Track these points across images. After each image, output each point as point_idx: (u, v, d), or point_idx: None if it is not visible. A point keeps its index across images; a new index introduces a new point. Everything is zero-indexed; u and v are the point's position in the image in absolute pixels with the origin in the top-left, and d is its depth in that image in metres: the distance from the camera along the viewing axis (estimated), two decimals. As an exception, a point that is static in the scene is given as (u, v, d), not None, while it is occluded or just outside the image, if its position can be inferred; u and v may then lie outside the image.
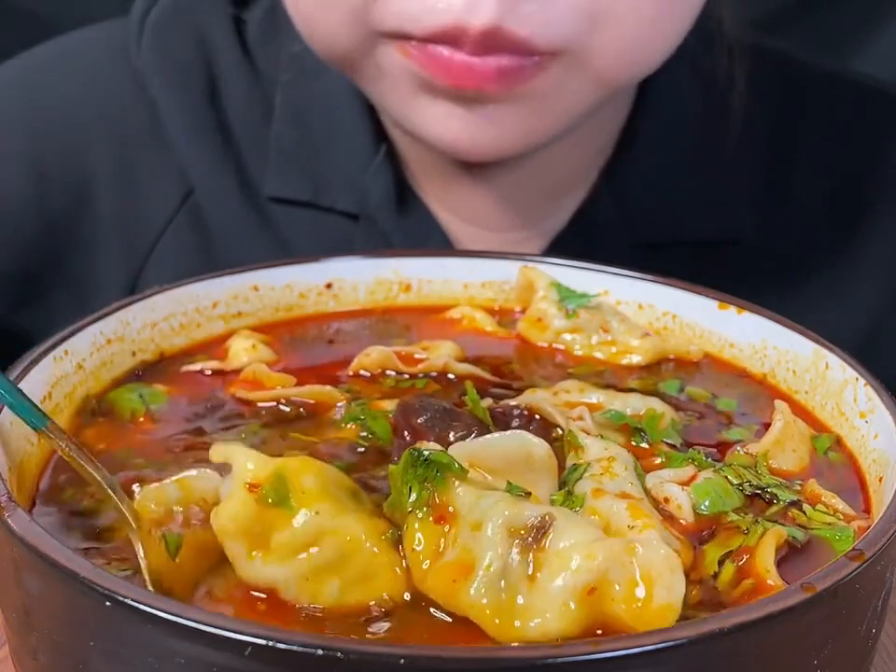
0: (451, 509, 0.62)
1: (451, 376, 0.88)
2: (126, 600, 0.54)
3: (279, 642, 0.52)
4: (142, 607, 0.54)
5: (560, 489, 0.69)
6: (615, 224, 1.21)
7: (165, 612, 0.53)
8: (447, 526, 0.63)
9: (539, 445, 0.67)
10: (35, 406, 0.70)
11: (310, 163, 1.21)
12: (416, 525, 0.63)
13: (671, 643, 0.53)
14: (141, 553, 0.63)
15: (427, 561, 0.62)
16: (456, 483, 0.63)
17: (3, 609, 0.65)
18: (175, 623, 0.53)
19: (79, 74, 1.26)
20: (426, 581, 0.62)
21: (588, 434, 0.76)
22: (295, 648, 0.51)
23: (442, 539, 0.62)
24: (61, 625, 0.59)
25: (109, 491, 0.66)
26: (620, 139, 1.23)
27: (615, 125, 1.23)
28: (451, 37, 0.94)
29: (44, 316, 1.24)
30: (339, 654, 0.51)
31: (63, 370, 0.80)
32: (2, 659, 0.76)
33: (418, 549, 0.62)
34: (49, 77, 1.26)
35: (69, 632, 0.58)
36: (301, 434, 0.79)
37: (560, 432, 0.77)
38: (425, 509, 0.63)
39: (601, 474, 0.69)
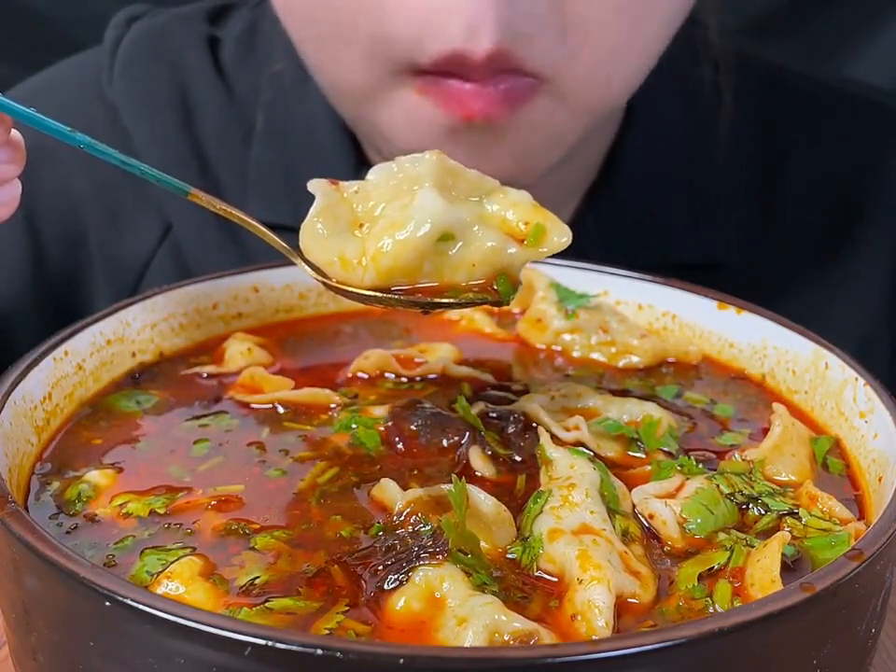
0: (437, 594, 0.62)
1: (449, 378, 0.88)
2: (126, 600, 0.54)
3: (279, 642, 0.52)
4: (142, 607, 0.54)
5: (518, 529, 0.68)
6: (598, 249, 1.18)
7: (165, 612, 0.53)
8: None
9: (485, 502, 0.67)
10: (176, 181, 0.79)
11: (290, 186, 1.18)
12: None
13: (671, 643, 0.53)
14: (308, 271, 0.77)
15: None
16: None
17: (3, 609, 0.65)
18: (175, 622, 0.53)
19: (53, 111, 1.23)
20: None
21: (583, 444, 0.77)
22: (294, 648, 0.51)
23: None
24: (61, 625, 0.59)
25: (263, 229, 0.80)
26: (604, 162, 1.22)
27: (601, 147, 1.22)
28: (458, 64, 0.94)
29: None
30: (338, 654, 0.51)
31: (63, 370, 0.80)
32: (2, 659, 0.76)
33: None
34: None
35: (69, 632, 0.58)
36: (294, 424, 0.81)
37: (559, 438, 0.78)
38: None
39: (560, 506, 0.69)
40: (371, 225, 0.74)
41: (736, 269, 1.22)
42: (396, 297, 0.74)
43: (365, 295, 0.74)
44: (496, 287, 0.74)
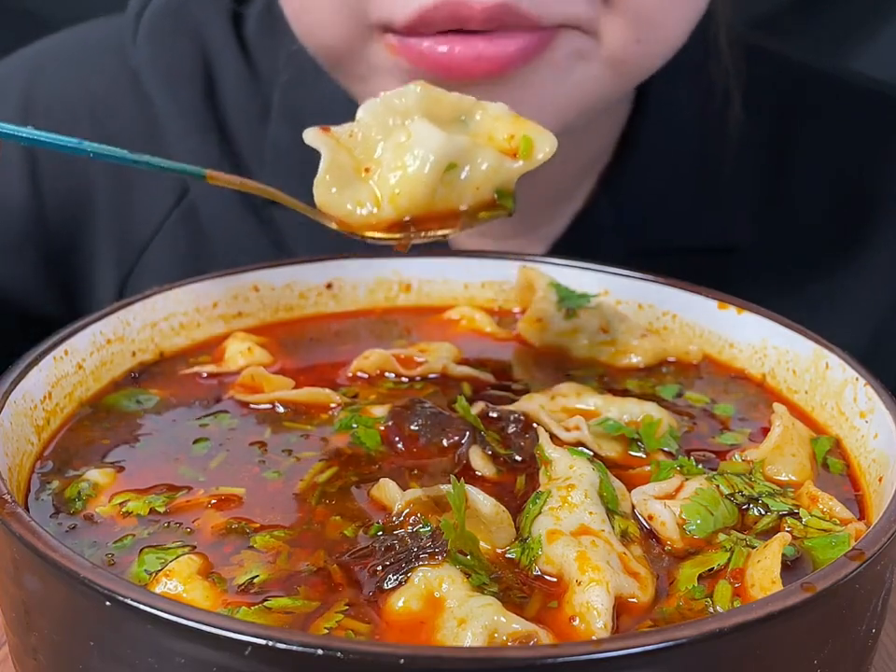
0: (437, 595, 0.62)
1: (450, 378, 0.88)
2: (126, 600, 0.54)
3: (279, 642, 0.52)
4: (142, 607, 0.54)
5: (518, 530, 0.68)
6: (613, 231, 1.20)
7: (165, 612, 0.53)
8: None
9: (483, 503, 0.67)
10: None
11: (307, 165, 1.19)
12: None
13: (671, 643, 0.53)
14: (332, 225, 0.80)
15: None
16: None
17: (3, 609, 0.65)
18: (175, 622, 0.53)
19: (75, 71, 1.24)
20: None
21: (583, 444, 0.77)
22: (295, 648, 0.51)
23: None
24: (61, 625, 0.59)
25: (285, 196, 0.83)
26: (618, 145, 1.23)
27: (614, 131, 1.22)
28: (449, 19, 0.91)
29: (38, 316, 1.24)
30: (339, 654, 0.51)
31: (64, 370, 0.80)
32: (2, 659, 0.76)
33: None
34: (45, 76, 1.24)
35: (69, 632, 0.58)
36: (293, 424, 0.81)
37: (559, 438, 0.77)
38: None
39: (559, 507, 0.68)
40: (376, 168, 0.78)
41: (750, 254, 1.23)
42: (418, 234, 0.79)
43: (388, 238, 0.79)
44: (499, 202, 0.79)
